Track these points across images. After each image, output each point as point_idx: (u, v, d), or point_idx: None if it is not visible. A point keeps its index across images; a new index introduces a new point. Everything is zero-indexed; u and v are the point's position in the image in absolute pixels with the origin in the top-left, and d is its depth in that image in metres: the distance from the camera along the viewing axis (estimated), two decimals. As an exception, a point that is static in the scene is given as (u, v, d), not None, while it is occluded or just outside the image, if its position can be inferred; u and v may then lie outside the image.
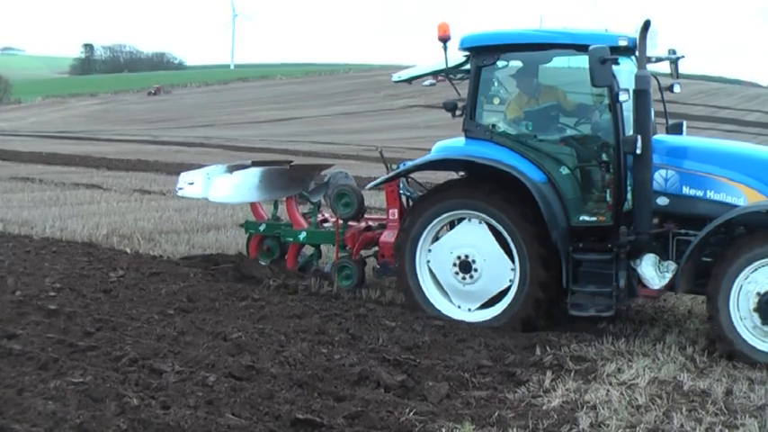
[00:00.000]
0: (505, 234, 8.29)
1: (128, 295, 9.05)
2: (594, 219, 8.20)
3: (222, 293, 9.22)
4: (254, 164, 11.44)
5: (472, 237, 8.47)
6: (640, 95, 7.82)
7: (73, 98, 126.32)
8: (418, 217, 8.76)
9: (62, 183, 22.46)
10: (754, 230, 7.68)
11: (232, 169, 11.04)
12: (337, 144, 50.94)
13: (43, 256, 11.32)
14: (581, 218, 8.23)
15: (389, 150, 44.68)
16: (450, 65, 8.97)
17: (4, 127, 73.04)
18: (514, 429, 5.58)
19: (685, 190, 8.04)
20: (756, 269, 7.38)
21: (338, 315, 8.44)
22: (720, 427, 5.76)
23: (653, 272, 7.93)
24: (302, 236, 10.61)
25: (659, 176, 8.06)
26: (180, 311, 8.41)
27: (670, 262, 7.92)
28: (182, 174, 11.53)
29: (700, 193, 7.98)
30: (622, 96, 7.83)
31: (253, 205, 11.32)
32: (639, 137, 7.75)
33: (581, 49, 7.99)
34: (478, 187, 8.53)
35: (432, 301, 8.71)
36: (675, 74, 9.17)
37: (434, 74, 9.92)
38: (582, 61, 8.10)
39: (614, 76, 7.82)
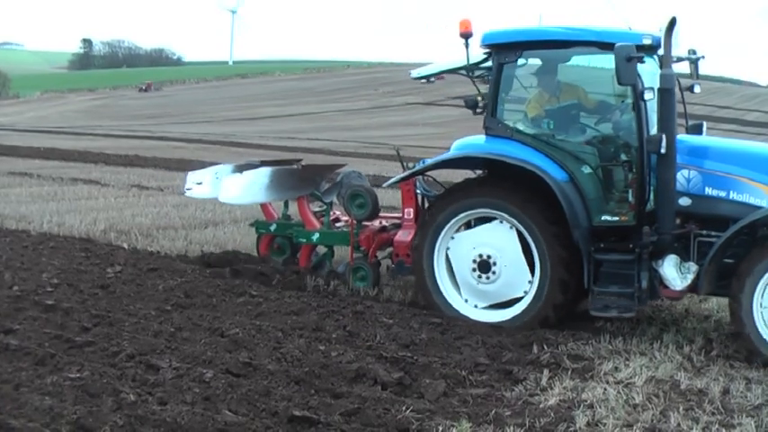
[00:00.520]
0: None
1: (125, 291, 9.04)
2: (617, 219, 8.12)
3: (219, 289, 9.21)
4: (264, 163, 11.33)
5: (499, 239, 8.38)
6: (665, 94, 7.71)
7: (71, 93, 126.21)
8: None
9: (60, 178, 22.44)
10: None
11: (241, 169, 10.89)
12: (336, 141, 50.91)
13: (41, 251, 11.30)
14: (603, 218, 8.14)
15: (387, 147, 44.71)
16: (470, 62, 8.81)
17: (3, 122, 72.95)
18: (511, 427, 5.58)
19: (708, 190, 7.94)
20: None
21: (335, 312, 8.44)
22: (717, 426, 5.76)
23: (675, 273, 7.82)
24: (315, 237, 10.47)
25: (681, 177, 7.95)
26: (177, 307, 8.40)
27: (691, 263, 7.82)
28: (189, 173, 11.43)
29: (722, 194, 7.89)
30: (647, 95, 7.77)
31: (263, 204, 11.17)
32: (664, 136, 7.64)
33: (605, 46, 7.85)
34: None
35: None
36: (695, 74, 9.10)
37: (455, 71, 9.70)
38: (603, 60, 8.04)
39: (638, 75, 7.75)
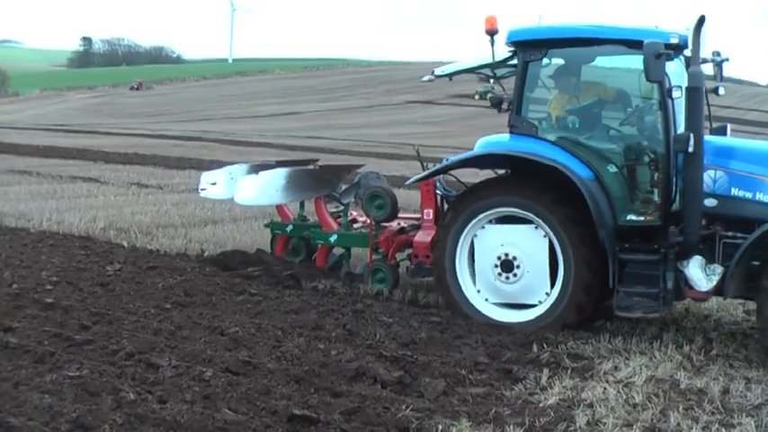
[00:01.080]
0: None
1: (124, 289, 9.04)
2: (642, 218, 8.04)
3: (219, 288, 9.21)
4: (280, 164, 11.25)
5: (530, 244, 8.29)
6: (693, 92, 7.64)
7: (71, 91, 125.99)
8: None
9: (59, 176, 22.45)
10: None
11: (256, 169, 10.79)
12: (336, 139, 50.88)
13: (40, 249, 11.31)
14: (628, 217, 8.06)
15: (388, 146, 44.68)
16: (496, 59, 8.70)
17: (2, 120, 72.79)
18: (511, 426, 5.58)
19: (734, 191, 7.83)
20: None
21: (335, 311, 8.44)
22: (717, 425, 5.76)
23: (700, 273, 7.71)
24: (333, 238, 10.39)
25: (707, 177, 7.83)
26: (177, 306, 8.40)
27: (716, 265, 7.72)
28: (203, 174, 11.35)
29: (749, 195, 7.78)
30: (675, 93, 7.71)
31: (278, 205, 11.09)
32: (692, 134, 7.55)
33: (633, 44, 7.77)
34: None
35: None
36: (720, 76, 9.03)
37: (479, 68, 9.60)
38: (629, 60, 8.00)
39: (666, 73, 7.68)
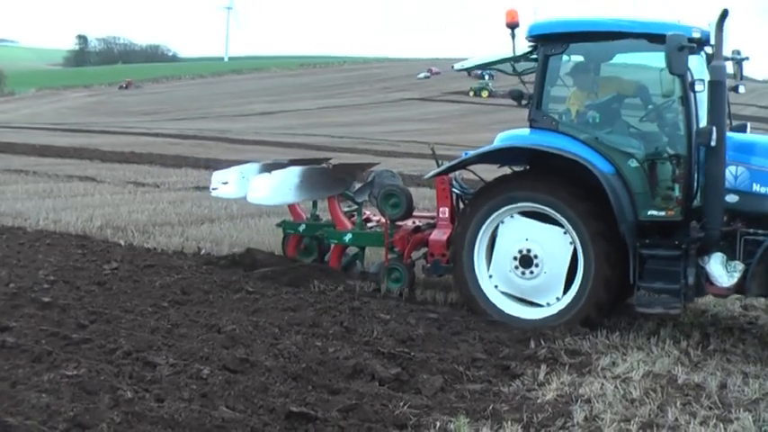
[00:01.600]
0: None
1: (122, 288, 9.03)
2: (663, 214, 7.96)
3: (216, 286, 9.20)
4: (293, 162, 11.17)
5: (553, 244, 8.20)
6: (716, 86, 7.59)
7: (67, 90, 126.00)
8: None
9: (56, 175, 22.43)
10: None
11: (269, 168, 10.69)
12: (332, 137, 50.88)
13: (37, 248, 11.29)
14: (649, 212, 7.98)
15: (385, 143, 44.67)
16: (516, 53, 8.63)
17: (-2, 119, 72.79)
18: (509, 423, 5.58)
19: (755, 187, 7.77)
20: None
21: (332, 308, 8.42)
22: (715, 420, 5.76)
23: (722, 270, 7.65)
24: (348, 237, 10.27)
25: (729, 173, 7.75)
26: (174, 304, 8.40)
27: (737, 262, 7.66)
28: (214, 173, 11.24)
29: None
30: (698, 87, 7.67)
31: (291, 204, 10.97)
32: (714, 128, 7.49)
33: (655, 38, 7.73)
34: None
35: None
36: (740, 75, 9.00)
37: (499, 63, 9.51)
38: (649, 57, 7.98)
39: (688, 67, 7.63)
